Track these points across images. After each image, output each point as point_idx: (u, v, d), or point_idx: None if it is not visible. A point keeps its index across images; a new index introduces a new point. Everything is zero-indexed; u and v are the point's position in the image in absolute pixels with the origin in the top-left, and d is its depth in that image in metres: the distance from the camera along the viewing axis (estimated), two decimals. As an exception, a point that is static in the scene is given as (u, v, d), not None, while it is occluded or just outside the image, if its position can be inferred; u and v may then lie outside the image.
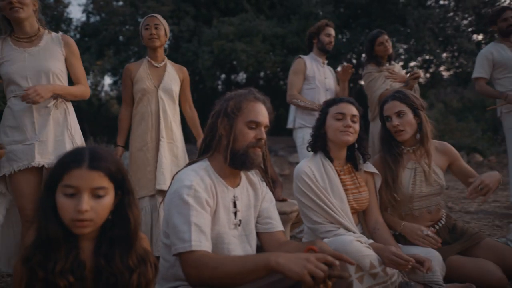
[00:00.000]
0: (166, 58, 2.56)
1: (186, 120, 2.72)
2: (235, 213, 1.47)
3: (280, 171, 7.18)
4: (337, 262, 1.13)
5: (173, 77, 2.53)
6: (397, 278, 1.62)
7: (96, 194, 0.97)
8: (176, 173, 1.48)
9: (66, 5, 10.51)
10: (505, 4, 8.88)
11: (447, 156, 2.05)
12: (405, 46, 8.41)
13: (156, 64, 2.49)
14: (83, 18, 11.52)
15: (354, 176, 2.00)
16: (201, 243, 1.24)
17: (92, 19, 11.26)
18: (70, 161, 0.97)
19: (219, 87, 12.92)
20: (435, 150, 2.05)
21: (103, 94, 15.30)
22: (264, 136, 1.45)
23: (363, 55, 9.54)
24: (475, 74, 3.28)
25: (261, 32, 8.14)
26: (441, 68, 9.10)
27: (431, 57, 8.36)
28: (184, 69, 2.66)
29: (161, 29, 2.45)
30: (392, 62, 3.34)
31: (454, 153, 2.07)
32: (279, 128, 6.37)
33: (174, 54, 9.68)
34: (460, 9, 8.10)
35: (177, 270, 1.40)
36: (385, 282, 1.58)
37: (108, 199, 1.00)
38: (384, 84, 3.15)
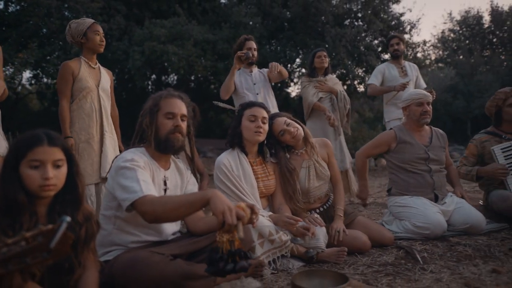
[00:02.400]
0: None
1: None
2: (165, 190, 1.84)
3: (209, 171, 7.50)
4: (247, 213, 1.52)
5: (106, 79, 2.83)
6: (290, 244, 2.11)
7: (56, 165, 1.29)
8: (116, 157, 1.82)
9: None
10: (406, 30, 10.31)
11: (326, 148, 2.63)
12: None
13: (93, 66, 2.76)
14: (1, 6, 10.77)
15: (264, 166, 2.49)
16: (150, 190, 1.58)
17: (11, 9, 10.59)
18: (31, 141, 1.28)
19: (149, 87, 12.89)
20: (318, 145, 2.61)
21: (19, 88, 14.29)
22: (180, 123, 1.83)
23: (288, 65, 10.34)
24: (369, 81, 4.32)
25: (192, 37, 8.46)
26: (355, 81, 10.22)
27: (346, 71, 9.41)
28: (110, 72, 3.00)
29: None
30: (329, 75, 4.13)
31: (331, 147, 2.67)
32: (209, 131, 6.57)
33: (104, 52, 9.54)
34: (370, 31, 9.23)
35: (113, 237, 1.74)
36: (280, 246, 2.06)
37: (64, 169, 1.32)
38: (315, 92, 3.98)
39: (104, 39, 2.76)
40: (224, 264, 1.41)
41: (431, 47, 19.40)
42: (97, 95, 2.69)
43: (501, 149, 2.95)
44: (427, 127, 2.93)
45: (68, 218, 0.94)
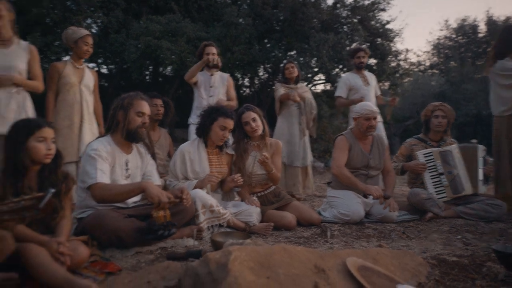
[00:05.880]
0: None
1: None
2: (126, 170, 2.43)
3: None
4: (181, 195, 2.17)
5: (89, 77, 3.45)
6: (227, 216, 2.70)
7: (52, 141, 1.87)
8: (89, 143, 2.41)
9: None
10: (390, 38, 10.84)
11: (274, 147, 3.22)
12: (309, 63, 9.89)
13: (78, 66, 3.37)
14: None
15: (219, 157, 3.08)
16: (103, 178, 2.19)
17: (16, -4, 11.03)
18: (38, 123, 1.87)
19: (147, 78, 13.39)
20: (270, 144, 3.20)
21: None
22: (147, 121, 2.43)
23: (281, 64, 10.87)
24: (336, 94, 4.77)
25: (186, 34, 8.98)
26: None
27: (328, 75, 9.98)
28: (95, 72, 3.62)
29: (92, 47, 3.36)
30: (300, 83, 4.70)
31: (278, 149, 3.24)
32: None
33: (103, 43, 10.05)
34: (355, 37, 9.78)
35: (87, 202, 2.33)
36: (218, 217, 2.65)
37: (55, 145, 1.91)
38: (284, 92, 4.53)
39: (91, 49, 3.37)
40: (161, 232, 2.10)
41: (426, 53, 19.82)
42: (79, 89, 3.29)
43: (423, 154, 3.54)
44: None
45: (53, 190, 1.51)
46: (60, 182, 1.92)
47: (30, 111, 2.87)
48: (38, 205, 1.46)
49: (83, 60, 3.45)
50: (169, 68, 11.84)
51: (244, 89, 13.58)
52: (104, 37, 10.35)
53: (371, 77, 4.85)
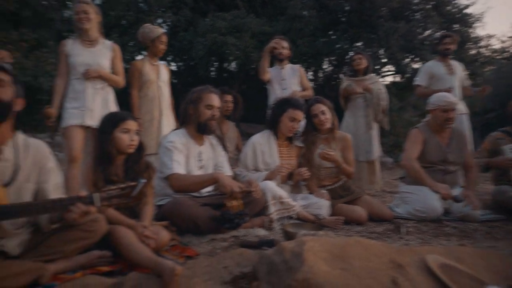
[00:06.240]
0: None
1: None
2: (200, 161, 2.54)
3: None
4: (250, 188, 2.22)
5: (164, 72, 3.63)
6: (296, 209, 2.70)
7: (135, 132, 2.03)
8: (165, 135, 2.55)
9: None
10: (470, 23, 10.01)
11: (343, 142, 3.15)
12: (377, 55, 9.48)
13: (154, 63, 3.56)
14: (88, -1, 12.24)
15: (289, 149, 3.10)
16: (179, 169, 2.31)
17: (97, 2, 12.01)
18: (122, 116, 2.04)
19: (212, 74, 13.83)
20: (338, 138, 3.14)
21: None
22: (216, 113, 2.52)
23: (346, 56, 10.57)
24: (416, 82, 4.50)
25: (250, 29, 9.10)
26: (409, 75, 10.21)
27: (398, 66, 9.48)
28: (168, 67, 3.79)
29: None
30: (370, 74, 4.52)
31: (349, 142, 3.16)
32: (262, 117, 6.83)
33: (172, 41, 10.55)
34: (429, 25, 9.18)
35: (165, 191, 2.47)
36: (288, 208, 2.66)
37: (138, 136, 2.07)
38: (348, 84, 4.40)
39: (166, 47, 3.54)
40: (235, 221, 2.20)
41: (511, 39, 17.94)
42: (157, 85, 3.48)
43: (510, 148, 3.24)
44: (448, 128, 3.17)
45: (144, 180, 1.62)
46: (143, 171, 2.06)
47: (113, 106, 3.10)
48: (131, 193, 1.59)
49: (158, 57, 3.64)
50: (233, 64, 12.13)
51: (310, 83, 13.44)
52: (173, 35, 10.86)
53: (457, 66, 4.47)
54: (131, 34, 11.23)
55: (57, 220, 1.64)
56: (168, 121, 3.52)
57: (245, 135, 5.96)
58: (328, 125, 3.07)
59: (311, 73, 12.78)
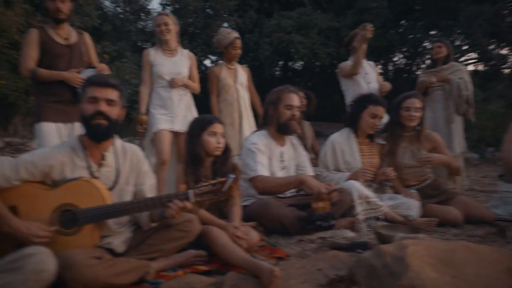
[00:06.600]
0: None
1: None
2: (282, 161, 2.51)
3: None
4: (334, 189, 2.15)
5: (242, 75, 3.64)
6: (384, 209, 2.56)
7: (221, 135, 2.06)
8: (248, 137, 2.56)
9: (147, -2, 11.99)
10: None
11: (431, 142, 2.91)
12: (456, 42, 8.75)
13: (230, 67, 3.61)
14: (160, 8, 12.96)
15: (371, 146, 2.96)
16: (263, 171, 2.31)
17: (168, 10, 12.66)
18: (210, 120, 2.08)
19: (277, 73, 13.88)
20: (425, 138, 2.92)
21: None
22: (296, 113, 2.47)
23: (419, 49, 9.95)
24: None
25: (317, 26, 8.95)
26: (495, 62, 9.29)
27: (483, 52, 8.65)
28: (247, 68, 3.80)
29: None
30: (451, 63, 4.13)
31: (437, 140, 2.91)
32: (333, 115, 6.51)
33: (238, 44, 10.76)
34: (511, 9, 8.29)
35: (248, 191, 2.48)
36: (375, 208, 2.53)
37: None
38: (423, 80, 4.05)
39: (239, 51, 3.59)
40: (320, 223, 2.15)
41: None
42: (235, 89, 3.53)
43: None
44: None
45: (233, 176, 1.64)
46: (229, 173, 2.08)
47: (194, 111, 3.22)
48: (222, 188, 1.61)
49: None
50: (299, 62, 12.03)
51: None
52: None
53: None
54: (200, 40, 11.68)
55: (157, 219, 1.71)
56: (248, 123, 3.56)
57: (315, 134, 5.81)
58: (416, 123, 2.87)
59: (380, 66, 12.24)
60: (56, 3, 2.53)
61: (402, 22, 9.59)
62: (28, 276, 1.22)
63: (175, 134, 3.10)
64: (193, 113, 3.18)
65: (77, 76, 2.54)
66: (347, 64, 3.80)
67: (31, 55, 2.52)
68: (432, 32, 9.42)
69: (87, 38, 2.81)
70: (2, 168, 1.55)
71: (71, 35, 2.67)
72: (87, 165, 1.66)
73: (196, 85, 3.28)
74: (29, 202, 1.58)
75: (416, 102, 2.87)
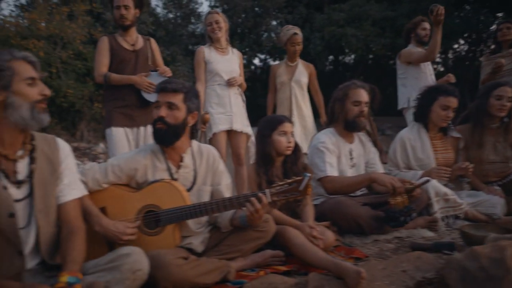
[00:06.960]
0: (299, 58, 3.59)
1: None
2: (351, 159, 2.43)
3: (387, 149, 7.65)
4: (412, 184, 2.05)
5: (301, 72, 3.58)
6: (464, 207, 2.39)
7: (291, 134, 2.04)
8: (315, 135, 2.51)
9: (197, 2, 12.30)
10: None
11: None
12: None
13: (291, 64, 3.57)
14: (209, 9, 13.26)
15: (444, 140, 2.78)
16: (332, 171, 2.26)
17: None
18: (280, 119, 2.06)
19: (327, 67, 13.61)
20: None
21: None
22: (365, 109, 2.37)
23: (483, 34, 9.23)
24: None
25: (371, 17, 8.62)
26: None
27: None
28: (311, 65, 3.71)
29: None
30: None
31: None
32: (388, 108, 6.05)
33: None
34: None
35: (318, 190, 2.43)
36: (454, 206, 2.37)
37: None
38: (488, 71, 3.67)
39: (298, 47, 3.51)
40: (403, 218, 2.05)
41: None
42: (289, 86, 3.50)
43: None
44: None
45: (309, 174, 1.61)
46: (301, 172, 2.05)
47: (245, 109, 3.22)
48: (298, 187, 1.58)
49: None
50: (351, 56, 11.70)
51: (435, 65, 12.16)
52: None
53: None
54: (250, 40, 11.77)
55: (239, 225, 1.71)
56: (300, 121, 3.50)
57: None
58: (505, 113, 2.65)
59: (438, 55, 11.55)
60: (121, 10, 2.66)
61: (466, 4, 8.93)
62: (126, 275, 1.28)
63: (229, 132, 3.07)
64: (245, 111, 3.18)
65: (145, 80, 2.64)
66: (416, 49, 3.57)
67: (103, 61, 2.68)
68: (499, 14, 8.71)
69: (153, 43, 2.91)
70: (94, 172, 1.65)
71: (137, 41, 2.80)
72: (167, 167, 1.72)
73: (244, 84, 3.29)
74: (116, 204, 1.67)
75: (509, 91, 2.64)
